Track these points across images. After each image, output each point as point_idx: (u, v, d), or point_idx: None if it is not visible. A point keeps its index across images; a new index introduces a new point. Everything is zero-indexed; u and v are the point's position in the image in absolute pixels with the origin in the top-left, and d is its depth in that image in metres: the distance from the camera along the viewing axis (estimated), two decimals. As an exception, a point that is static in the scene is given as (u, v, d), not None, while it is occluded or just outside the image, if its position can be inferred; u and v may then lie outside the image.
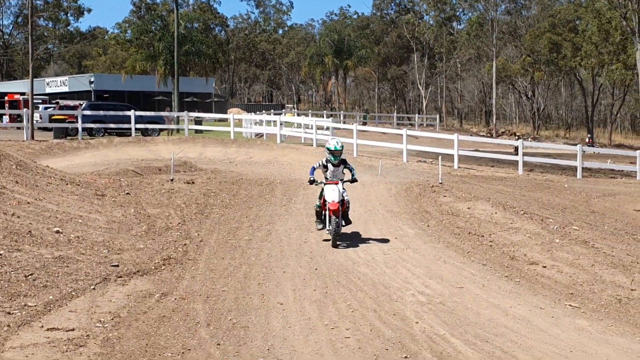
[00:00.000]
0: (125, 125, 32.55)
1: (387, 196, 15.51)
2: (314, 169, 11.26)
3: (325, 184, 11.00)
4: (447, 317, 7.77)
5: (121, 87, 55.64)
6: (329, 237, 10.92)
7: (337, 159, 11.04)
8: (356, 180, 11.48)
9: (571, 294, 9.01)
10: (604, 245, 11.35)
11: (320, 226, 11.23)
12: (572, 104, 79.24)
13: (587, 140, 50.55)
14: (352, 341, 6.91)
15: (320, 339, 6.97)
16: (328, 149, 11.11)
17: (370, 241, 11.44)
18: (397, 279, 9.29)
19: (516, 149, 32.61)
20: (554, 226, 12.53)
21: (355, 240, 11.43)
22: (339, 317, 7.65)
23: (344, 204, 10.91)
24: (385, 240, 11.51)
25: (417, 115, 70.23)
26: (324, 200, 10.89)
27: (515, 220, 12.85)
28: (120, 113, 34.43)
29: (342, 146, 11.17)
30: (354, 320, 7.53)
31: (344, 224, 11.15)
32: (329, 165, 11.04)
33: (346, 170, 11.26)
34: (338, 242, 10.84)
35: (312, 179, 11.21)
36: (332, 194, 10.71)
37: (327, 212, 10.83)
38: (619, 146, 53.54)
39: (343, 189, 10.96)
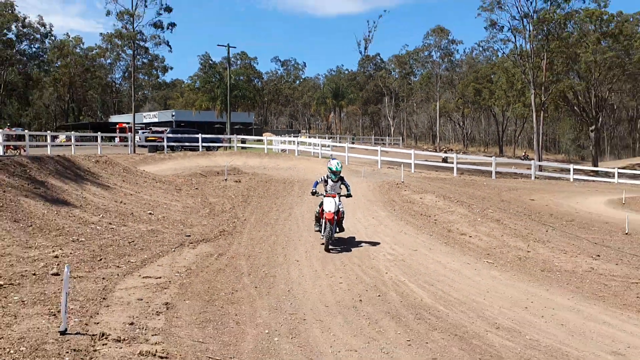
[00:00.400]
0: (195, 144, 32.50)
1: (367, 190, 15.48)
2: (316, 183, 9.45)
3: (324, 196, 9.10)
4: (406, 270, 7.76)
5: (192, 118, 55.60)
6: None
7: (337, 177, 9.21)
8: (350, 196, 9.41)
9: (488, 254, 8.99)
10: (510, 223, 11.31)
11: (317, 228, 9.39)
12: (489, 130, 79.11)
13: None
14: (343, 285, 6.90)
15: (323, 283, 6.96)
16: (330, 169, 9.17)
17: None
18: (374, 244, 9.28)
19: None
20: (477, 210, 12.49)
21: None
22: (335, 269, 7.65)
23: (339, 213, 9.07)
24: (368, 225, 11.48)
25: (387, 137, 69.87)
26: (322, 209, 9.09)
27: (451, 206, 12.80)
28: (192, 136, 34.37)
29: (342, 167, 9.35)
30: (345, 272, 7.53)
31: (337, 230, 9.24)
32: (329, 180, 9.22)
33: (343, 186, 9.38)
34: (331, 247, 8.80)
35: (314, 191, 9.31)
36: (329, 205, 8.87)
37: (324, 220, 8.94)
38: (519, 158, 53.18)
39: (339, 201, 9.12)
